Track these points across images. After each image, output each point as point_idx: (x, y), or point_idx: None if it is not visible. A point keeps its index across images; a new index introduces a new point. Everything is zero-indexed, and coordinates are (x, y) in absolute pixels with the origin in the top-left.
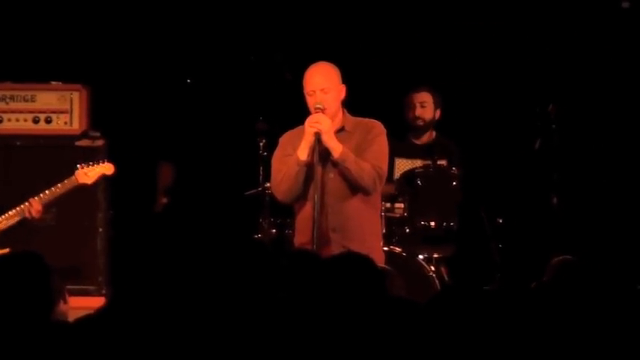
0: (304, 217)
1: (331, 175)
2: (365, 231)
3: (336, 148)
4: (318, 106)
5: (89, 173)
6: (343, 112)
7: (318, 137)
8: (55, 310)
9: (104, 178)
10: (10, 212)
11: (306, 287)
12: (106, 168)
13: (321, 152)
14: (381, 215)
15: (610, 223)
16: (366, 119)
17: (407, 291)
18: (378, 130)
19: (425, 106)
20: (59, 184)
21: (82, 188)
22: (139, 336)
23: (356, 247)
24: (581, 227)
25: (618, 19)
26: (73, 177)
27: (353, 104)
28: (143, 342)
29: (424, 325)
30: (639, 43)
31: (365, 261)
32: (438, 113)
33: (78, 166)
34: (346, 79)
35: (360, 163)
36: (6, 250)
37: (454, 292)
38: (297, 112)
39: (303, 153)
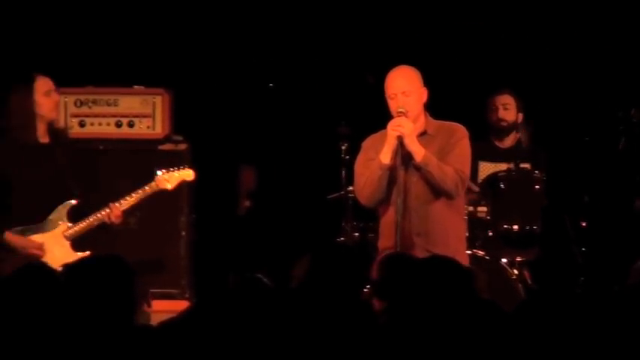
0: (388, 221)
1: (414, 178)
2: (449, 235)
3: (418, 151)
4: (400, 109)
5: (170, 179)
6: (425, 116)
7: (400, 141)
8: (139, 314)
9: (186, 182)
10: (90, 216)
11: (399, 291)
12: (187, 174)
13: (403, 156)
14: (465, 219)
15: None
16: (449, 123)
17: (490, 294)
18: (460, 133)
19: (507, 108)
20: (140, 190)
21: (164, 192)
22: (222, 340)
23: (440, 251)
24: None
25: None
26: (154, 182)
27: (435, 107)
28: (226, 346)
29: (514, 330)
30: None
31: (453, 264)
32: (520, 116)
33: (158, 172)
34: (427, 82)
35: (442, 166)
36: (87, 253)
37: (542, 296)
38: (379, 115)
39: (386, 157)
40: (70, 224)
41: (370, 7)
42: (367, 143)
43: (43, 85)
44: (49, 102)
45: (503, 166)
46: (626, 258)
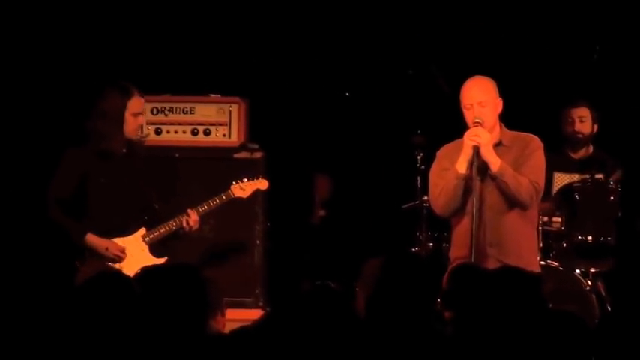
0: (462, 230)
1: (489, 189)
2: (522, 246)
3: (494, 162)
4: (477, 120)
5: (245, 188)
6: (500, 127)
7: (476, 151)
8: (212, 322)
9: (261, 191)
10: (169, 222)
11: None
12: (261, 184)
13: (479, 166)
14: (538, 230)
15: None
16: (524, 134)
17: (563, 305)
18: (535, 145)
19: (584, 121)
20: (216, 198)
21: (239, 201)
22: (294, 349)
23: (513, 262)
24: None
25: None
26: (229, 191)
27: (509, 118)
28: (298, 354)
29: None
30: None
31: (522, 274)
32: (595, 128)
33: (233, 182)
34: (502, 92)
35: (517, 177)
36: (164, 259)
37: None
38: (455, 125)
39: (462, 166)
40: (148, 229)
41: (445, 19)
42: (442, 153)
43: (136, 105)
44: (135, 123)
45: (577, 177)
46: None
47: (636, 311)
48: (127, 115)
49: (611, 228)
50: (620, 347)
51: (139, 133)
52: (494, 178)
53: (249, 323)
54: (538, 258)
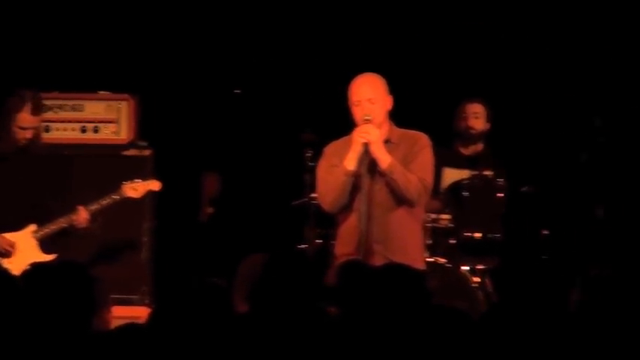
0: (348, 227)
1: (378, 186)
2: (408, 243)
3: (384, 159)
4: (366, 117)
5: (137, 188)
6: (389, 124)
7: (366, 148)
8: (98, 319)
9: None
10: (58, 219)
11: (354, 299)
12: (153, 184)
13: (368, 163)
14: (425, 226)
15: None
16: (412, 131)
17: (450, 301)
18: (423, 142)
19: (478, 117)
20: (108, 197)
21: (128, 200)
22: (181, 346)
23: (399, 259)
24: (626, 239)
25: None
26: (121, 190)
27: (401, 113)
28: (185, 352)
29: (477, 337)
30: None
31: (407, 272)
32: (488, 125)
33: (125, 181)
34: (392, 89)
35: (407, 175)
36: (53, 256)
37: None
38: (344, 122)
39: (351, 163)
40: (39, 226)
41: (336, 15)
42: (329, 150)
43: (23, 120)
44: (21, 134)
45: (466, 173)
46: (586, 266)
47: (521, 307)
48: (13, 126)
49: (499, 225)
50: (503, 343)
51: (25, 141)
52: (382, 175)
53: (135, 321)
54: (424, 255)
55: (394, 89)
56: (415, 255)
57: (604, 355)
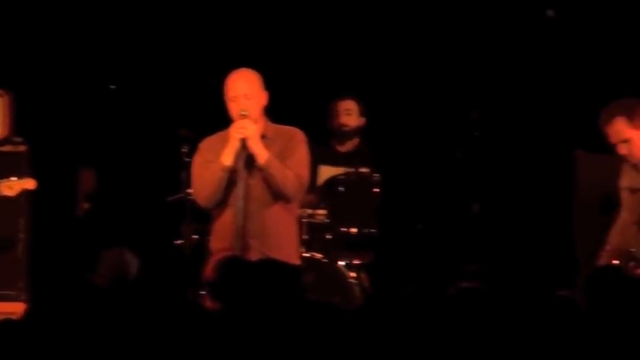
0: (224, 222)
1: (254, 181)
2: (284, 238)
3: (261, 154)
4: (243, 112)
5: (13, 187)
6: (264, 120)
7: (243, 143)
8: None
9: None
10: None
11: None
12: (28, 183)
13: (245, 158)
14: (301, 222)
15: (529, 230)
16: (287, 127)
17: (327, 296)
18: (299, 138)
19: (350, 114)
20: None
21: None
22: (56, 342)
23: (275, 254)
24: (501, 234)
25: (542, 27)
26: None
27: (274, 110)
28: (60, 348)
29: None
30: (562, 50)
31: (282, 267)
32: (362, 121)
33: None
34: (267, 85)
35: (284, 170)
36: None
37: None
38: (220, 118)
39: (227, 158)
40: None
41: (210, 10)
42: (204, 145)
43: None
44: None
45: (343, 171)
46: (462, 260)
47: (397, 301)
48: None
49: (374, 220)
50: (379, 338)
51: None
52: (259, 171)
53: (12, 317)
54: (300, 250)
55: (269, 85)
56: (291, 250)
57: (478, 347)
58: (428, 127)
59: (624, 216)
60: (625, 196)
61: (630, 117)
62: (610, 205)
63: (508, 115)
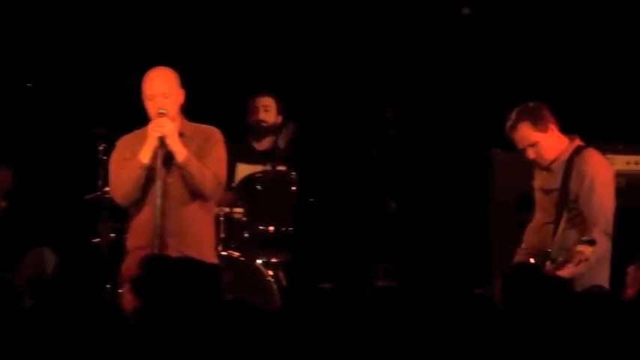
0: (141, 220)
1: (172, 179)
2: (201, 236)
3: (180, 152)
4: (161, 111)
5: None
6: (181, 118)
7: (162, 141)
8: None
9: None
10: None
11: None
12: None
13: (163, 156)
14: (219, 220)
15: (446, 229)
16: (204, 126)
17: (245, 295)
18: (216, 137)
19: (268, 110)
20: None
21: None
22: None
23: (192, 253)
24: (418, 232)
25: (457, 25)
26: None
27: (190, 107)
28: None
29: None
30: (477, 49)
31: (200, 266)
32: (280, 119)
33: None
34: (184, 83)
35: (202, 168)
36: None
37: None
38: (137, 117)
39: (145, 156)
40: None
41: (126, 8)
42: (121, 143)
43: None
44: None
45: (259, 168)
46: (379, 258)
47: (313, 300)
48: None
49: (291, 218)
50: (297, 335)
51: None
52: (178, 169)
53: None
54: (217, 249)
55: (185, 83)
56: (208, 249)
57: (395, 346)
58: (344, 126)
59: (539, 216)
60: (539, 197)
61: (534, 121)
62: (527, 203)
63: (424, 114)
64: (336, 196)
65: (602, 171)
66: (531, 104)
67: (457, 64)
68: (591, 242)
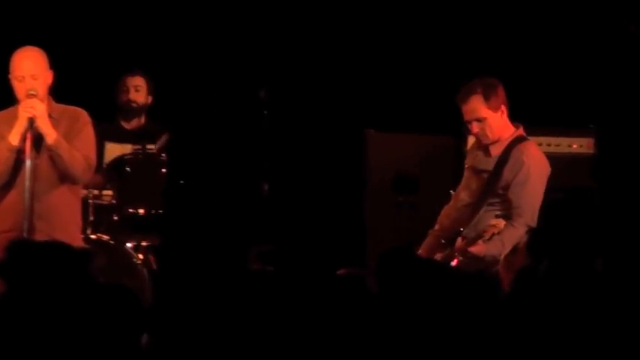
0: (7, 203)
1: (41, 161)
2: (68, 220)
3: (50, 133)
4: (32, 92)
5: None
6: (49, 99)
7: (31, 123)
8: None
9: None
10: None
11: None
12: None
13: (33, 138)
14: (88, 203)
15: (322, 211)
16: (72, 107)
17: (115, 279)
18: (85, 119)
19: (139, 90)
20: None
21: None
22: None
23: (59, 236)
24: (292, 215)
25: (325, 4)
26: None
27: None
28: None
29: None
30: (349, 29)
31: (67, 249)
32: (150, 98)
33: None
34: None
35: (72, 151)
36: None
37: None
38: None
39: (15, 138)
40: None
41: None
42: None
43: None
44: None
45: (129, 148)
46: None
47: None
48: None
49: (161, 200)
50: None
51: None
52: (48, 151)
53: None
54: (87, 232)
55: (52, 63)
56: (75, 232)
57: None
58: (216, 106)
59: (462, 195)
60: (467, 175)
61: (487, 97)
62: (402, 185)
63: (297, 93)
64: (208, 178)
65: (539, 166)
66: (490, 80)
67: (330, 43)
68: (506, 216)
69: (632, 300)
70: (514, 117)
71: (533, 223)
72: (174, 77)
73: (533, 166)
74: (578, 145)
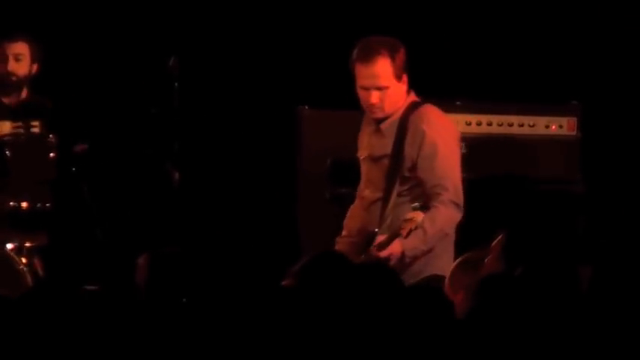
0: None
1: None
2: None
3: None
4: None
5: None
6: None
7: None
8: None
9: None
10: None
11: None
12: None
13: None
14: None
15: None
16: None
17: None
18: None
19: (20, 59)
20: None
21: None
22: None
23: None
24: (210, 207)
25: None
26: None
27: None
28: None
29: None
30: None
31: None
32: (35, 67)
33: None
34: None
35: None
36: None
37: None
38: None
39: None
40: None
41: None
42: None
43: None
44: None
45: (8, 126)
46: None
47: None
48: None
49: (49, 192)
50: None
51: None
52: None
53: None
54: None
55: None
56: None
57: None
58: (115, 77)
59: (366, 192)
60: (366, 168)
61: (395, 63)
62: (341, 172)
63: (215, 63)
64: (105, 164)
65: (445, 130)
66: (394, 40)
67: (259, 17)
68: (424, 207)
69: (622, 317)
70: (474, 90)
71: (460, 200)
72: (64, 42)
73: (439, 133)
74: (558, 126)
